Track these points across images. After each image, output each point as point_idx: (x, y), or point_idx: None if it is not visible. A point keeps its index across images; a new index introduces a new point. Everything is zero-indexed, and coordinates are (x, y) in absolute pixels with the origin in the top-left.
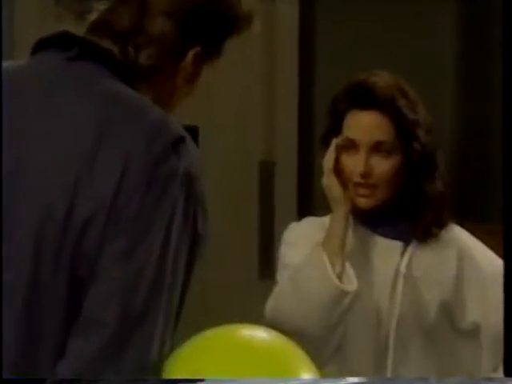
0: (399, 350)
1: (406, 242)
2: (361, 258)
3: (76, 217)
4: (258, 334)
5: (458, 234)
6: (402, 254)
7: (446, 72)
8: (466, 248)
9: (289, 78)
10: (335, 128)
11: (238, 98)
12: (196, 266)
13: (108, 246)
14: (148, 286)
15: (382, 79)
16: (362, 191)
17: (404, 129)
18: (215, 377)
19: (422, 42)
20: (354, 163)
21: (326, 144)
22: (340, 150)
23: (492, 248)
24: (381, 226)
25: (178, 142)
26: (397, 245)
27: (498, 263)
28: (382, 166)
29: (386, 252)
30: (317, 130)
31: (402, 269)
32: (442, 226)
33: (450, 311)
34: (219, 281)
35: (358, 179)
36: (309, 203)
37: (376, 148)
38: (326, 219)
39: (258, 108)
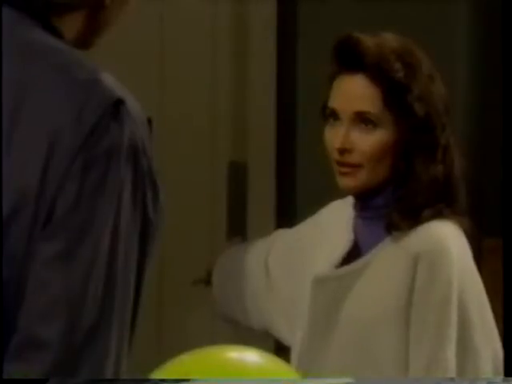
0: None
1: (366, 238)
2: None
3: None
4: (249, 356)
5: (428, 233)
6: (349, 253)
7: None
8: (428, 259)
9: (264, 59)
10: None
11: (200, 84)
12: (149, 263)
13: (41, 248)
14: (97, 291)
15: (372, 38)
16: (342, 169)
17: (393, 97)
18: None
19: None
20: (334, 137)
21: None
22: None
23: (491, 264)
24: (364, 212)
25: (117, 105)
26: (347, 239)
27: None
28: (365, 141)
29: (333, 247)
30: (299, 123)
31: (327, 271)
32: (415, 219)
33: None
34: (181, 300)
35: (336, 156)
36: (289, 211)
37: (359, 120)
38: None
39: (226, 98)
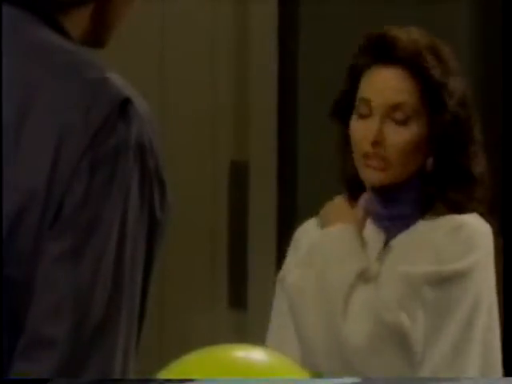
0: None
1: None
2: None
3: (4, 212)
4: (255, 354)
5: (462, 217)
6: (383, 250)
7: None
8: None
9: (265, 59)
10: (352, 91)
11: (200, 84)
12: (155, 263)
13: (49, 246)
14: (104, 290)
15: (406, 33)
16: (371, 162)
17: (429, 92)
18: None
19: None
20: (365, 130)
21: (338, 114)
22: (354, 113)
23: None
24: (387, 209)
25: (125, 104)
26: (379, 237)
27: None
28: (398, 135)
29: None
30: (300, 123)
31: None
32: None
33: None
34: (182, 299)
35: (367, 149)
36: (290, 210)
37: (393, 113)
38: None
39: (226, 98)
